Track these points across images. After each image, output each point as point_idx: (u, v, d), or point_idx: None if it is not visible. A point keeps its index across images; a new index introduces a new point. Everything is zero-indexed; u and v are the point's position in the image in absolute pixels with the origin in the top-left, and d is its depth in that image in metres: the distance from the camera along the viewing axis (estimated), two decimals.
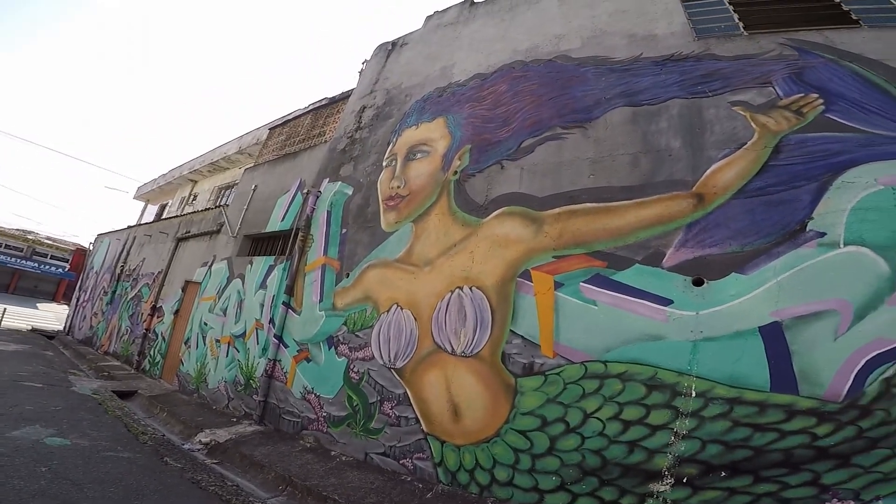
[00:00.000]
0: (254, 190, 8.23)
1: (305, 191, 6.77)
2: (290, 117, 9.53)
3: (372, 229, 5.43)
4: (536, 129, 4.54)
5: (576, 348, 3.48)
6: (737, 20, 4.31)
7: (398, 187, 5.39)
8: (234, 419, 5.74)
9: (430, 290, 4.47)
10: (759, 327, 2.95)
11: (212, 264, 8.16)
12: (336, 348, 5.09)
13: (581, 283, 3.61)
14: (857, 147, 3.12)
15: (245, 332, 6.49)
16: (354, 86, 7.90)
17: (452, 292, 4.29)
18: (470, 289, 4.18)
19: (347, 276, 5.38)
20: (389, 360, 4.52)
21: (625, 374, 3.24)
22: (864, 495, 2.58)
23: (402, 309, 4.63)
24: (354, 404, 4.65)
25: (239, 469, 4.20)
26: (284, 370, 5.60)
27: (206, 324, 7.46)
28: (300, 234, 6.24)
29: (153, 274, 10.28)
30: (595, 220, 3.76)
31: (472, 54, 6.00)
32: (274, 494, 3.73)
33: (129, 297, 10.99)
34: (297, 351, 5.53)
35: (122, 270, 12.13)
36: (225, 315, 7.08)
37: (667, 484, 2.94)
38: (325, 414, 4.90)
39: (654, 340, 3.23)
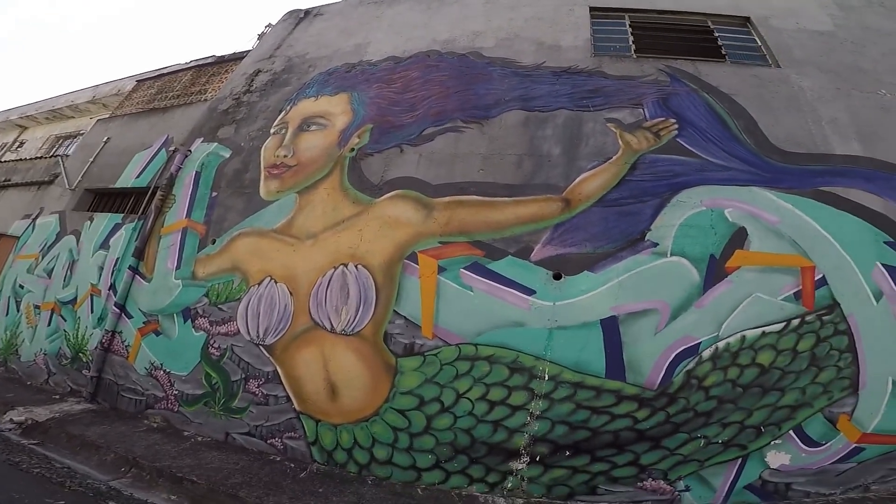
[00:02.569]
0: (105, 142, 6.97)
1: (172, 148, 5.90)
2: (165, 71, 8.20)
3: (248, 196, 4.95)
4: (439, 119, 4.61)
5: (452, 331, 3.63)
6: (630, 42, 4.91)
7: (285, 156, 5.01)
8: (57, 396, 4.83)
9: (310, 265, 4.25)
10: (600, 320, 3.37)
11: (37, 217, 6.62)
12: (193, 321, 4.54)
13: (461, 270, 3.78)
14: (693, 171, 3.79)
15: (76, 298, 5.43)
16: (249, 49, 7.18)
17: (336, 268, 4.13)
18: (356, 266, 4.08)
19: (213, 242, 4.83)
20: (258, 336, 4.18)
21: (492, 357, 3.46)
22: (671, 475, 3.07)
23: (276, 282, 4.31)
24: (213, 382, 4.21)
25: (67, 450, 3.56)
26: (126, 343, 4.82)
27: (21, 286, 6.06)
28: (159, 192, 5.40)
29: None
30: (479, 212, 3.97)
31: (390, 36, 5.85)
32: (115, 476, 3.23)
33: None
34: (144, 322, 4.81)
35: None
36: (50, 277, 5.81)
37: (524, 462, 3.20)
38: (176, 392, 4.35)
39: (518, 326, 3.51)
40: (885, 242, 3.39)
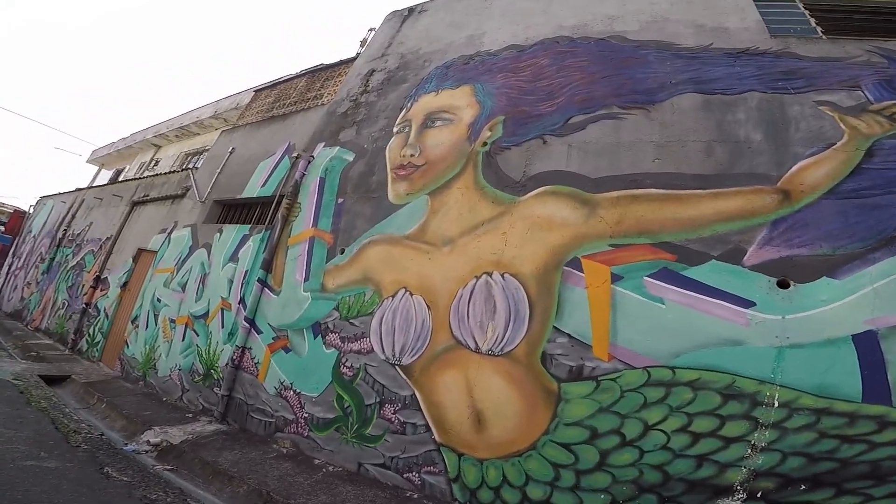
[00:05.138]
0: (230, 153, 7.22)
1: (295, 155, 5.91)
2: (281, 80, 8.62)
3: (376, 201, 4.70)
4: (588, 106, 4.03)
5: (637, 351, 2.97)
6: (814, 24, 4.10)
7: (412, 156, 4.71)
8: (190, 415, 4.78)
9: (449, 274, 3.81)
10: (852, 335, 2.63)
11: (172, 231, 7.05)
12: (324, 337, 4.29)
13: (644, 278, 3.11)
14: None
15: (208, 312, 5.51)
16: (353, 55, 7.22)
17: (479, 278, 3.65)
18: (501, 275, 3.56)
19: (342, 252, 4.60)
20: (393, 356, 3.79)
21: (697, 382, 2.80)
22: None
23: (411, 295, 3.93)
24: (346, 406, 3.87)
25: (200, 479, 3.35)
26: (256, 360, 4.71)
27: (159, 300, 6.36)
28: (285, 201, 5.37)
29: (100, 240, 8.92)
30: (662, 208, 3.27)
31: (505, 25, 5.47)
32: None
33: (70, 265, 9.50)
34: (274, 338, 4.67)
35: (64, 235, 10.54)
36: (184, 291, 6.04)
37: (738, 499, 2.66)
38: (306, 415, 4.07)
39: (733, 346, 2.81)
40: None
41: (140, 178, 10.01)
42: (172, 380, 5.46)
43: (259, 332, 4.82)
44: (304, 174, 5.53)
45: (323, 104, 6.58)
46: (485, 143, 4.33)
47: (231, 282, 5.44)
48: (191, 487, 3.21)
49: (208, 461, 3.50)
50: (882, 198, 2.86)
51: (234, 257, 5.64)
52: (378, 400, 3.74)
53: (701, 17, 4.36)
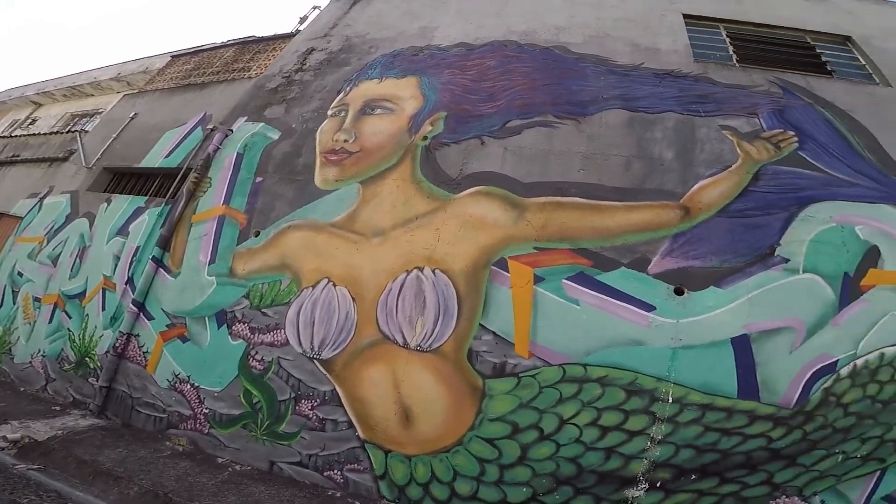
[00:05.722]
0: (132, 118, 6.30)
1: (210, 126, 5.30)
2: (204, 47, 7.67)
3: (301, 184, 4.38)
4: (526, 111, 4.17)
5: (554, 349, 3.14)
6: (731, 52, 4.68)
7: (345, 141, 4.47)
8: (58, 408, 4.09)
9: (378, 267, 3.68)
10: (731, 338, 3.04)
11: (45, 196, 5.92)
12: (230, 327, 3.90)
13: (563, 280, 3.28)
14: (819, 185, 3.44)
15: (85, 291, 4.74)
16: (291, 31, 6.78)
17: (409, 272, 3.57)
18: (433, 271, 3.53)
19: (257, 234, 4.22)
20: (312, 349, 3.57)
21: (605, 379, 3.05)
22: (805, 491, 2.89)
23: (335, 285, 3.72)
24: (255, 401, 3.56)
25: (78, 480, 2.88)
26: (144, 349, 4.14)
27: (20, 274, 5.32)
28: (193, 174, 4.77)
29: None
30: (583, 217, 3.49)
31: (459, 22, 5.47)
32: None
33: None
34: (168, 326, 4.14)
35: None
36: (55, 265, 5.10)
37: (641, 489, 2.91)
38: (206, 410, 3.67)
39: (636, 345, 3.09)
40: None
41: (10, 136, 8.33)
42: (34, 367, 4.61)
43: (150, 317, 4.24)
44: (218, 148, 4.95)
45: (250, 77, 6.00)
46: (425, 137, 4.25)
47: (118, 258, 4.71)
48: (67, 489, 2.72)
49: (86, 460, 3.01)
50: (761, 218, 3.35)
51: (123, 231, 4.89)
52: (293, 395, 3.49)
53: (639, 36, 4.76)
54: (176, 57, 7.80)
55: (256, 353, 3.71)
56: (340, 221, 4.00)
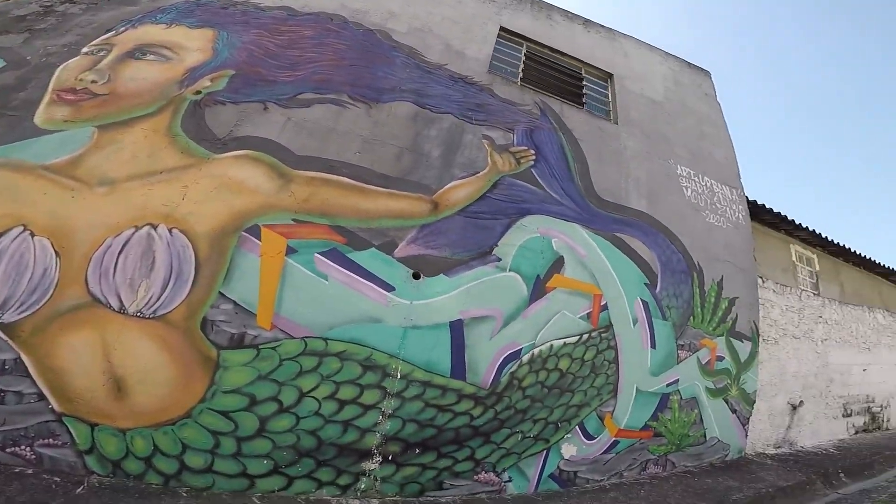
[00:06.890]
0: None
1: None
2: None
3: (14, 120, 3.36)
4: (323, 87, 4.10)
5: (298, 322, 3.22)
6: (520, 70, 5.31)
7: (92, 81, 3.63)
8: None
9: (98, 220, 3.11)
10: (449, 322, 3.55)
11: None
12: None
13: (316, 254, 3.40)
14: (537, 200, 4.35)
15: None
16: None
17: (139, 228, 3.14)
18: (169, 230, 3.19)
19: None
20: None
21: (344, 353, 3.24)
22: (498, 467, 3.48)
23: (32, 235, 3.02)
24: None
25: None
26: None
27: None
28: None
29: None
30: (347, 196, 3.65)
31: None
32: None
33: None
34: None
35: None
36: None
37: (376, 462, 3.15)
38: None
39: (374, 322, 3.38)
40: (644, 283, 4.57)
41: None
42: None
43: None
44: None
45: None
46: (199, 92, 3.77)
47: None
48: None
49: None
50: (489, 221, 4.04)
51: None
52: None
53: (455, 38, 5.06)
54: None
55: None
56: (58, 165, 3.23)
